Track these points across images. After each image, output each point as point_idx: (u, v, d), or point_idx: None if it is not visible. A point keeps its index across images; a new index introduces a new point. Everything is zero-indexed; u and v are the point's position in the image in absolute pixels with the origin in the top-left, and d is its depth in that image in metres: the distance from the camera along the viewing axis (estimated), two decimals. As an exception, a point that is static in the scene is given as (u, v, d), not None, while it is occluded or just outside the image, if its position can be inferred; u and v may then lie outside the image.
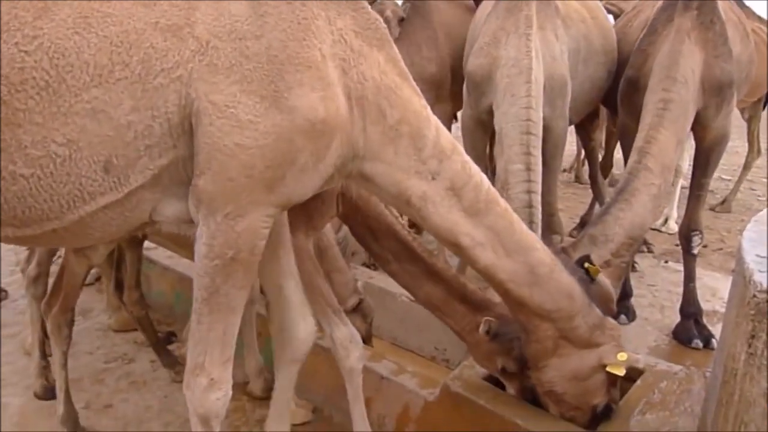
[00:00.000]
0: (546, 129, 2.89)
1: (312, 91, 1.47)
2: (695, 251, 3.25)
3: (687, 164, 4.97)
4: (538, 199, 2.58)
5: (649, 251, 4.58)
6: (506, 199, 2.48)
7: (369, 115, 1.59)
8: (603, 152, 5.00)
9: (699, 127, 2.98)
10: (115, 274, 3.22)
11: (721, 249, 4.88)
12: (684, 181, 4.97)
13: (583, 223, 4.83)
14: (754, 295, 1.37)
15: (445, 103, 3.97)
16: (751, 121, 5.61)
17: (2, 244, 3.20)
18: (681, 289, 3.36)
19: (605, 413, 2.03)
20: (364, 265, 3.71)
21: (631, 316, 3.45)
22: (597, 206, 4.62)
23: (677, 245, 3.54)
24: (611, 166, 5.08)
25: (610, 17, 4.48)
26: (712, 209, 5.92)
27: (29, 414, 2.68)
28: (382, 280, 3.22)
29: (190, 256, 2.76)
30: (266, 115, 1.43)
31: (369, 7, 1.67)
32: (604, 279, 2.23)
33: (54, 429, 2.48)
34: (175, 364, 2.90)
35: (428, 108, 1.71)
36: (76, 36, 1.41)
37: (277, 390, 2.16)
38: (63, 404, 2.47)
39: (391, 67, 1.63)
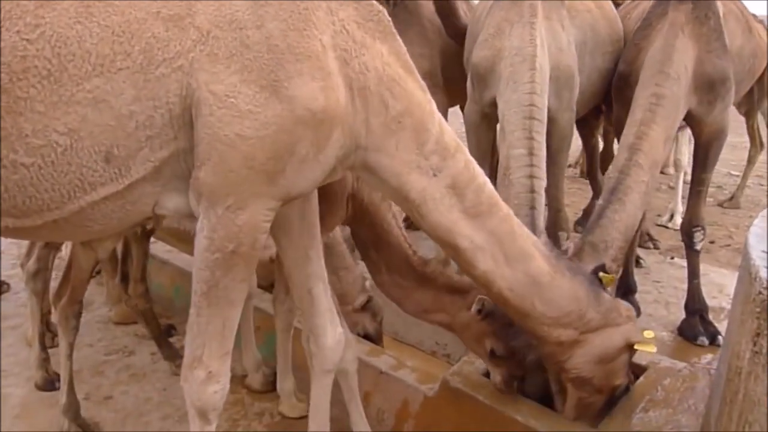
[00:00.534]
0: (552, 121, 2.83)
1: (312, 81, 1.45)
2: (698, 247, 3.23)
3: (687, 158, 4.91)
4: (541, 184, 2.51)
5: (655, 247, 4.54)
6: (508, 186, 2.46)
7: (371, 106, 1.58)
8: (602, 145, 4.94)
9: (694, 123, 2.95)
10: (121, 267, 3.22)
11: (728, 245, 4.82)
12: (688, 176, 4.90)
13: (587, 213, 4.76)
14: (760, 292, 1.34)
15: (439, 99, 3.95)
16: (749, 115, 5.51)
17: (4, 237, 3.23)
18: (687, 286, 3.32)
19: (622, 394, 2.01)
20: None
21: (635, 312, 3.41)
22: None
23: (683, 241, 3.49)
24: (612, 158, 5.03)
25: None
26: (720, 205, 5.86)
27: (30, 405, 2.70)
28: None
29: (189, 250, 2.76)
30: (266, 105, 1.42)
31: None
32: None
33: (55, 419, 2.49)
34: (175, 357, 2.90)
35: (433, 103, 1.69)
36: (78, 25, 1.40)
37: (312, 405, 2.11)
38: (66, 395, 2.48)
39: (394, 59, 1.62)
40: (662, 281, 3.97)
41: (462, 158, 1.70)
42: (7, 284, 3.73)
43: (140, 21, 1.42)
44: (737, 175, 6.98)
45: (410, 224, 4.79)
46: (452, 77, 3.87)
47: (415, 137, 1.63)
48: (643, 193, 2.49)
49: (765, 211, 1.78)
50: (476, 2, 3.88)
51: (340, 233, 2.49)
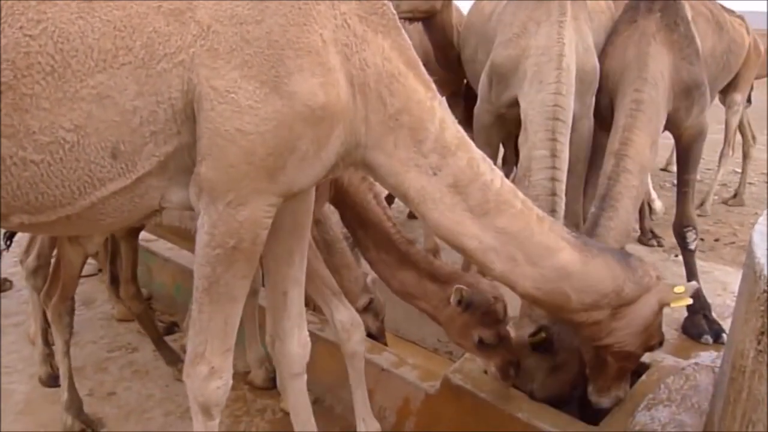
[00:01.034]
0: (573, 125, 2.69)
1: (312, 77, 1.44)
2: (692, 247, 3.22)
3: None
4: (562, 187, 2.43)
5: (659, 245, 4.53)
6: (527, 187, 2.40)
7: (370, 103, 1.56)
8: None
9: (673, 127, 2.97)
10: (110, 267, 3.20)
11: (733, 243, 4.80)
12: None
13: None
14: (764, 290, 1.32)
15: None
16: (729, 111, 5.43)
17: (5, 233, 3.24)
18: (690, 284, 3.31)
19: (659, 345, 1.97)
20: None
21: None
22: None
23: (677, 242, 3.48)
24: None
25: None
26: (725, 202, 5.83)
27: (34, 401, 2.71)
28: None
29: (190, 248, 2.75)
30: (266, 101, 1.41)
31: None
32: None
33: (58, 415, 2.50)
34: (177, 362, 2.82)
35: (436, 99, 1.64)
36: (80, 20, 1.40)
37: (292, 411, 2.09)
38: (67, 391, 2.49)
39: (396, 55, 1.58)
40: (666, 279, 3.92)
41: (464, 156, 1.63)
42: (10, 281, 3.74)
43: (141, 15, 1.42)
44: (741, 173, 6.95)
45: (411, 214, 4.77)
46: (452, 79, 3.84)
47: (413, 135, 1.59)
48: (634, 198, 2.48)
49: (770, 208, 1.76)
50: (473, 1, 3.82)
51: (340, 231, 2.48)
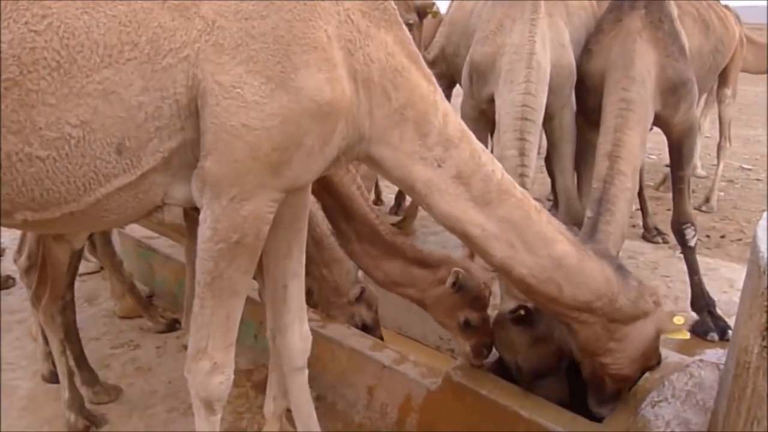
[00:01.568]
0: (552, 118, 2.81)
1: (318, 72, 1.44)
2: (692, 244, 3.22)
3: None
4: (529, 183, 2.53)
5: (664, 242, 4.50)
6: None
7: (374, 98, 1.57)
8: None
9: (662, 124, 2.97)
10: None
11: (739, 239, 4.76)
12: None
13: None
14: (769, 286, 1.30)
15: None
16: (721, 105, 5.38)
17: (9, 231, 3.25)
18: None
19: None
20: None
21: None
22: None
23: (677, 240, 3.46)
24: None
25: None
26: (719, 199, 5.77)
27: (37, 397, 2.72)
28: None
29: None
30: (272, 96, 1.41)
31: None
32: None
33: (61, 411, 2.50)
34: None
35: (437, 93, 1.67)
36: (85, 15, 1.39)
37: (293, 406, 2.08)
38: (67, 390, 2.49)
39: (399, 49, 1.60)
40: (671, 276, 3.93)
41: (467, 148, 1.68)
42: (13, 279, 3.75)
43: (146, 11, 1.41)
44: (749, 169, 6.89)
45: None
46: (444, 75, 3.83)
47: (418, 129, 1.62)
48: (628, 200, 2.49)
49: (775, 204, 1.74)
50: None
51: (327, 227, 2.48)
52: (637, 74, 2.70)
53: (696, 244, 3.28)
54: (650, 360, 2.00)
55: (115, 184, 1.49)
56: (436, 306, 2.17)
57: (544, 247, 1.73)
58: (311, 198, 2.25)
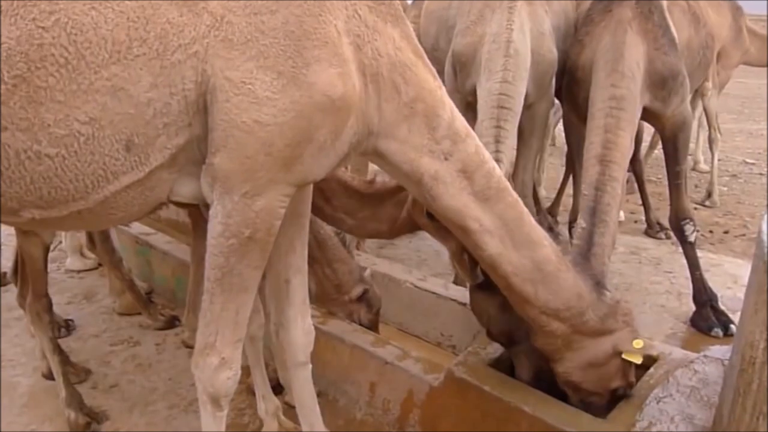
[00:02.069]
0: (529, 107, 2.79)
1: (330, 67, 1.45)
2: (691, 239, 3.20)
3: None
4: (506, 171, 2.53)
5: (667, 237, 4.47)
6: None
7: (383, 92, 1.57)
8: None
9: (653, 119, 2.93)
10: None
11: (743, 235, 4.74)
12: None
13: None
14: (775, 280, 1.28)
15: None
16: (704, 98, 5.33)
17: (6, 229, 3.23)
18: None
19: (624, 396, 2.03)
20: None
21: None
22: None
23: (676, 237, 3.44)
24: None
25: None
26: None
27: (37, 394, 2.71)
28: (386, 266, 3.18)
29: (189, 241, 2.72)
30: (284, 92, 1.41)
31: None
32: None
33: (61, 408, 2.49)
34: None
35: (443, 89, 1.70)
36: (93, 11, 1.38)
37: (297, 402, 2.07)
38: (64, 388, 2.48)
39: (406, 44, 1.61)
40: (674, 271, 3.91)
41: (472, 143, 1.74)
42: (13, 275, 3.75)
43: (155, 6, 1.41)
44: (752, 163, 6.87)
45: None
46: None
47: (427, 122, 1.64)
48: (618, 205, 2.45)
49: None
50: None
51: (330, 228, 2.47)
52: (627, 68, 2.65)
53: (696, 239, 3.25)
54: (609, 379, 1.98)
55: (124, 181, 1.49)
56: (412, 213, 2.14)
57: (529, 248, 1.79)
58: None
